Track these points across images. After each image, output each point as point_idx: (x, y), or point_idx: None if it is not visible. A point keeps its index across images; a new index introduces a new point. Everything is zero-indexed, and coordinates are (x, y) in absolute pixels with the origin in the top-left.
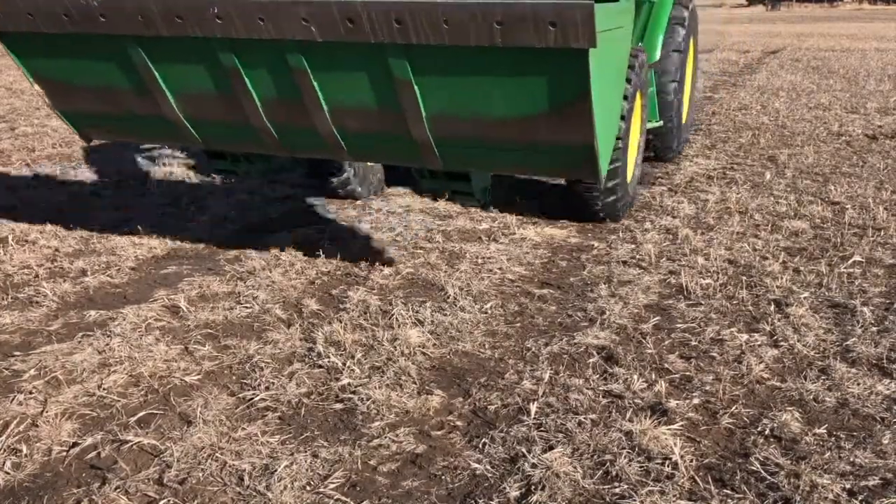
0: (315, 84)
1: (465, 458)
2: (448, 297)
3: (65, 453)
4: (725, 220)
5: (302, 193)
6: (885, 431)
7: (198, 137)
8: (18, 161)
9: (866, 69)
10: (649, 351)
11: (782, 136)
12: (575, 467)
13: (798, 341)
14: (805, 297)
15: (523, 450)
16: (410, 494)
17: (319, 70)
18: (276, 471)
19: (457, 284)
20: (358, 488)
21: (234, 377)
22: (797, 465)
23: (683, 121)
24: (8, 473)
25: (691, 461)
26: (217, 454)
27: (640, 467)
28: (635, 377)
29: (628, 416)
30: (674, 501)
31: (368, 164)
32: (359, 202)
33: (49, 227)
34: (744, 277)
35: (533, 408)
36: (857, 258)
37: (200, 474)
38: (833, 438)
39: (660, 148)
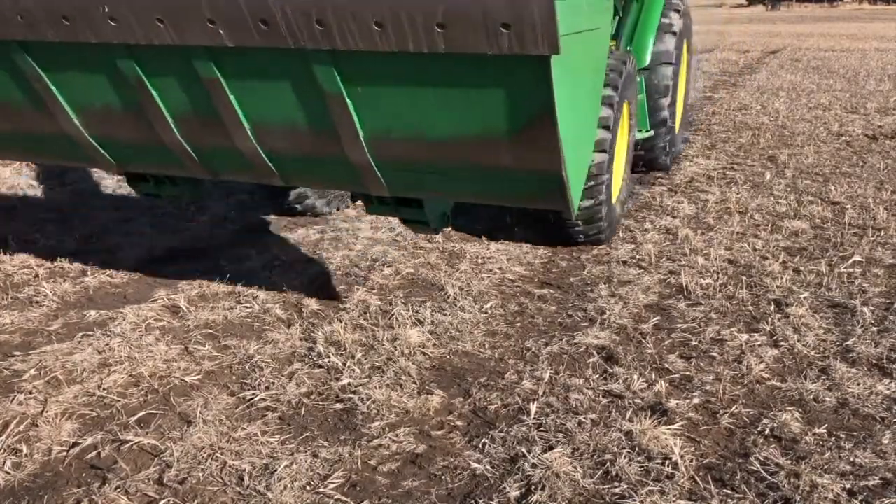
0: (231, 97)
1: (465, 458)
2: (448, 297)
3: (65, 453)
4: (725, 220)
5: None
6: (885, 431)
7: (110, 159)
8: (18, 161)
9: (866, 69)
10: (649, 351)
11: (782, 136)
12: (575, 467)
13: (798, 341)
14: (805, 297)
15: (523, 450)
16: (410, 494)
17: (235, 80)
18: (276, 471)
19: (457, 284)
20: (358, 488)
21: (234, 377)
22: (797, 464)
23: (677, 129)
24: (8, 473)
25: (691, 461)
26: (217, 454)
27: (640, 467)
28: (635, 377)
29: (628, 416)
30: (674, 501)
31: None
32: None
33: (49, 227)
34: (744, 277)
35: (533, 408)
36: (857, 258)
37: (200, 474)
38: (833, 438)
39: (650, 161)
